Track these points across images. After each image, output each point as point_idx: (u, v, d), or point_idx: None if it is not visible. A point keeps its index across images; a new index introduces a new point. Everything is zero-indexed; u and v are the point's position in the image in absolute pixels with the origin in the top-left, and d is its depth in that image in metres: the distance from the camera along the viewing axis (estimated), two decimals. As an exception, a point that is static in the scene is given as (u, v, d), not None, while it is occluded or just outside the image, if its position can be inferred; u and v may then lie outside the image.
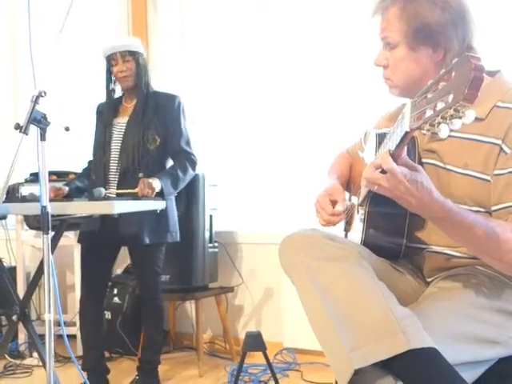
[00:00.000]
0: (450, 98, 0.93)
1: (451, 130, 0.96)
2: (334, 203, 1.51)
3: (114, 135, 2.79)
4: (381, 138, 1.40)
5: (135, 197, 2.54)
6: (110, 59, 2.76)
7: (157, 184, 2.60)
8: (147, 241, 2.68)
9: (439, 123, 0.96)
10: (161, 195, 2.64)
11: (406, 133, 1.04)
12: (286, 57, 3.40)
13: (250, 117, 3.53)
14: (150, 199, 2.55)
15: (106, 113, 2.85)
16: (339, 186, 1.58)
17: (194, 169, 2.81)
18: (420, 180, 1.09)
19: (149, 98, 2.78)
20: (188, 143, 2.82)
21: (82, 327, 2.81)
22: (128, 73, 2.75)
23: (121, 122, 2.80)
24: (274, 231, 3.25)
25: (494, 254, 1.21)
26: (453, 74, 0.95)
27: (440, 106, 0.95)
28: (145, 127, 2.73)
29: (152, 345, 2.84)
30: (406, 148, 1.11)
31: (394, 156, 1.10)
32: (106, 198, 2.61)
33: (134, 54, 2.75)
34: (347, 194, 1.70)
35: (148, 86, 2.80)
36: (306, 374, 3.00)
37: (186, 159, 2.78)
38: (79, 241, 2.85)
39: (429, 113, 0.97)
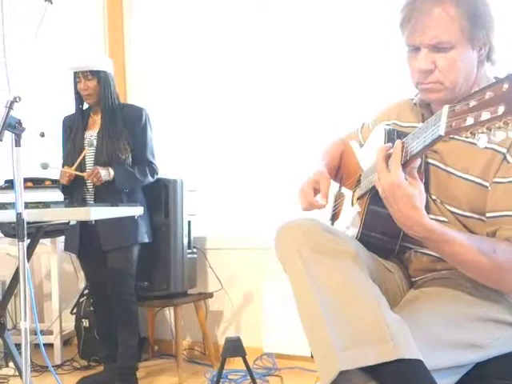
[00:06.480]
0: (501, 109, 0.92)
1: (489, 141, 0.97)
2: (317, 191, 1.49)
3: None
4: (390, 134, 1.38)
5: (113, 203, 2.62)
6: (75, 76, 2.91)
7: (106, 174, 2.78)
8: (121, 243, 2.85)
9: (481, 132, 0.95)
10: (113, 185, 2.82)
11: (439, 136, 1.03)
12: (263, 61, 3.40)
13: (227, 122, 3.52)
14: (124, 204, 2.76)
15: (76, 126, 2.98)
16: (326, 174, 1.54)
17: (153, 176, 2.99)
18: (411, 193, 1.12)
19: (116, 110, 2.93)
20: (152, 154, 3.02)
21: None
22: (89, 91, 2.90)
23: (93, 136, 2.93)
24: (252, 236, 3.25)
25: (480, 274, 1.22)
26: (505, 85, 0.93)
27: (485, 115, 0.94)
28: (117, 139, 2.88)
29: (127, 350, 2.87)
30: (422, 157, 1.12)
31: (409, 161, 1.13)
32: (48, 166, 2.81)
33: (96, 73, 2.88)
34: (335, 184, 1.68)
35: (113, 100, 2.93)
36: (286, 379, 3.00)
37: (147, 166, 2.96)
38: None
39: (470, 121, 0.96)
